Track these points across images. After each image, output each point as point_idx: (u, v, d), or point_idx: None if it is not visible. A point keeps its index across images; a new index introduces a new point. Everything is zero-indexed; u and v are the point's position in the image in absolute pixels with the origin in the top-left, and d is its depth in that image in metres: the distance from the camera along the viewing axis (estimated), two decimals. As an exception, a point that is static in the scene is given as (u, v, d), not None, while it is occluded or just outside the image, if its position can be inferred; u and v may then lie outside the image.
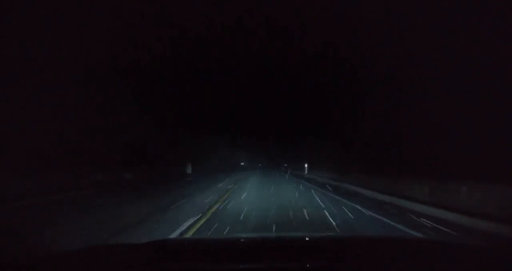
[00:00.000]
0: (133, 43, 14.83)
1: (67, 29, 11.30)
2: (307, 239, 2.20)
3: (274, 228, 5.41)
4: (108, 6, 11.92)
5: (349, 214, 7.08)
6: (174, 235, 4.94)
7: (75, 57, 12.11)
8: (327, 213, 7.05)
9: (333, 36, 14.07)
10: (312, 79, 19.95)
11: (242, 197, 10.22)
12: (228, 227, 5.49)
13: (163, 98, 21.91)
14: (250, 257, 1.53)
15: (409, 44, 9.64)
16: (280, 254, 1.60)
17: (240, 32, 17.00)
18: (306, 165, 29.57)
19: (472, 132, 7.17)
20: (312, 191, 12.58)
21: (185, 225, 5.67)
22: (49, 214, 6.95)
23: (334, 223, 5.96)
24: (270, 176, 25.91)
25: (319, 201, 9.42)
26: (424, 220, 6.41)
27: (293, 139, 39.47)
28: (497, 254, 1.64)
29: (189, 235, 4.99)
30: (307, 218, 6.45)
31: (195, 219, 6.22)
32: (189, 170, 26.02)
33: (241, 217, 6.53)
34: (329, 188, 13.88)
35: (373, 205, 8.54)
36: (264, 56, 20.28)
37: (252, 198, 9.98)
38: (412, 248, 1.77)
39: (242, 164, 75.69)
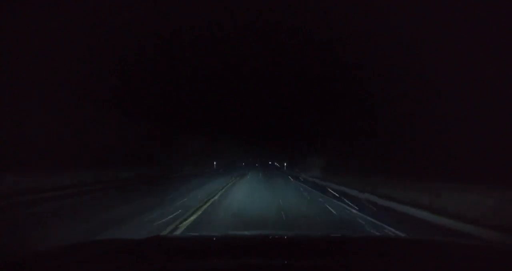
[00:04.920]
0: (132, 42, 14.83)
1: (67, 28, 11.28)
2: (306, 238, 2.20)
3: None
4: (108, 5, 11.91)
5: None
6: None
7: (75, 56, 12.10)
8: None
9: (334, 36, 14.08)
10: (313, 78, 19.97)
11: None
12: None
13: (161, 98, 21.92)
14: (248, 254, 1.53)
15: (413, 45, 9.64)
16: (279, 252, 1.60)
17: (238, 32, 17.02)
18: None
19: (473, 135, 7.17)
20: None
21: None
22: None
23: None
24: None
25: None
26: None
27: (290, 139, 38.27)
28: (493, 253, 1.64)
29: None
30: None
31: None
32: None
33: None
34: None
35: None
36: (266, 57, 20.30)
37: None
38: (411, 248, 1.77)
39: (243, 164, 74.28)
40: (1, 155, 9.02)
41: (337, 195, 11.62)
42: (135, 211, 7.01)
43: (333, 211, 7.78)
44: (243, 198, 10.26)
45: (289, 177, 25.69)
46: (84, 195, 10.30)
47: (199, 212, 7.00)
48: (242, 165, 69.23)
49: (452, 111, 8.25)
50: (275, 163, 70.86)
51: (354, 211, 7.92)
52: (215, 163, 44.93)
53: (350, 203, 9.10)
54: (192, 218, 6.29)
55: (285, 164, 48.47)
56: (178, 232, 5.03)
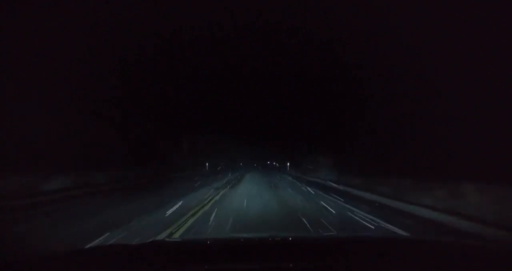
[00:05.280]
0: (132, 42, 14.83)
1: (67, 28, 11.27)
2: (305, 239, 2.20)
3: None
4: (108, 5, 11.90)
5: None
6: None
7: (75, 56, 12.10)
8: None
9: (334, 36, 14.07)
10: (313, 78, 19.96)
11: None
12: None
13: (161, 98, 21.91)
14: (248, 257, 1.53)
15: (413, 45, 9.63)
16: (279, 253, 1.60)
17: (238, 32, 17.02)
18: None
19: (473, 135, 7.16)
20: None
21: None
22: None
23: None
24: None
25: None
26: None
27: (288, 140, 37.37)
28: (494, 253, 1.63)
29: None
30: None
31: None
32: None
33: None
34: None
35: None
36: (266, 57, 20.29)
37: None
38: (411, 248, 1.77)
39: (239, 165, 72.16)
40: (0, 155, 9.02)
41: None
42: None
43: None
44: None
45: (306, 187, 15.57)
46: (79, 197, 10.31)
47: None
48: (240, 165, 66.81)
49: (452, 111, 8.25)
50: (275, 163, 70.17)
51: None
52: (207, 164, 39.42)
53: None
54: None
55: (288, 164, 43.20)
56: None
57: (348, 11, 11.97)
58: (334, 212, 7.97)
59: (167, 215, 7.04)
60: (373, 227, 6.09)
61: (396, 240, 2.27)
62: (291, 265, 1.36)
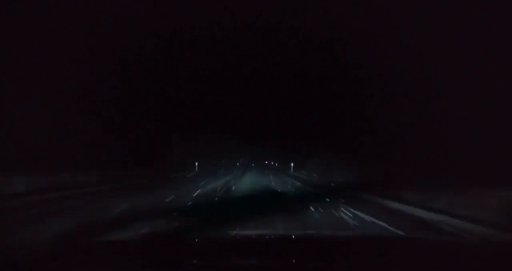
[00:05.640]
0: (132, 42, 14.82)
1: (67, 28, 11.28)
2: (305, 238, 2.19)
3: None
4: (108, 5, 11.91)
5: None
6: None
7: (75, 56, 12.10)
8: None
9: (334, 36, 14.08)
10: (313, 78, 19.97)
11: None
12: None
13: (161, 98, 21.91)
14: (248, 255, 1.53)
15: (413, 45, 9.63)
16: (279, 252, 1.60)
17: (238, 32, 17.04)
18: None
19: (473, 135, 7.16)
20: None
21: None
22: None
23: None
24: None
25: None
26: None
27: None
28: (494, 252, 1.63)
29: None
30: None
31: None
32: None
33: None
34: None
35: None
36: (266, 57, 20.30)
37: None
38: (411, 247, 1.76)
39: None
40: (1, 155, 9.03)
41: None
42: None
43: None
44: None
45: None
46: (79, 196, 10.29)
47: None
48: (236, 165, 65.14)
49: (452, 111, 8.26)
50: (275, 163, 69.74)
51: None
52: (196, 163, 33.73)
53: None
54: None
55: (292, 165, 37.87)
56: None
57: (348, 11, 11.97)
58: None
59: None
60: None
61: (396, 239, 2.27)
62: (290, 263, 1.36)
